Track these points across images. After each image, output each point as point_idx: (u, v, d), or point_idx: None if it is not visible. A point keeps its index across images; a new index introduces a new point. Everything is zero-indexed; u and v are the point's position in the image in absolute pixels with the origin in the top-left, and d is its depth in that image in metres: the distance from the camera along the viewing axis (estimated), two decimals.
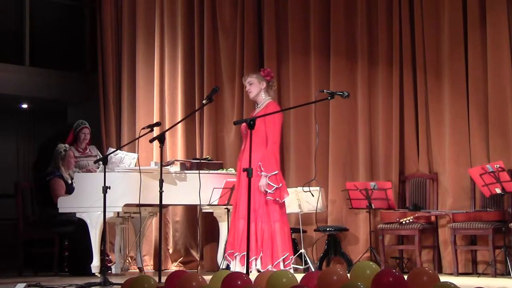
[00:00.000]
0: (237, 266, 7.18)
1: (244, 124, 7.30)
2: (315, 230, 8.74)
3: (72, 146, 9.11)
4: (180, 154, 9.50)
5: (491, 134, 8.25)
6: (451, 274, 8.10)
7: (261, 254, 7.16)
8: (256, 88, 7.37)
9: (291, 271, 7.08)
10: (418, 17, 8.64)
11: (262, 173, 7.13)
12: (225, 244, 7.72)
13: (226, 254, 7.34)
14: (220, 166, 8.41)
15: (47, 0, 10.93)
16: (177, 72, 9.73)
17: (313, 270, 8.06)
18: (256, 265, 7.15)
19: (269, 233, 7.19)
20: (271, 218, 7.20)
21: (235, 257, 7.22)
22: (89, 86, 10.59)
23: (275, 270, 6.94)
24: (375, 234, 8.49)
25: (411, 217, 8.08)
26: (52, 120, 12.49)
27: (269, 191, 7.12)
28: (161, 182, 6.75)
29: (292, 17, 9.27)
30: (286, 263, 7.28)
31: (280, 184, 7.19)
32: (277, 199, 7.15)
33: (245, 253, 7.04)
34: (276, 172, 7.16)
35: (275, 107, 7.35)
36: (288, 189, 8.48)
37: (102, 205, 6.99)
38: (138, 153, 8.30)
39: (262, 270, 7.07)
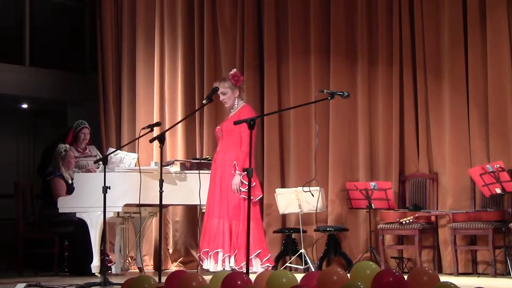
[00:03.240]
0: (210, 264, 7.31)
1: (219, 127, 7.71)
2: (315, 230, 8.73)
3: (72, 146, 9.11)
4: (180, 154, 9.50)
5: (491, 134, 8.25)
6: (451, 274, 8.10)
7: (235, 251, 7.31)
8: (230, 98, 7.68)
9: (270, 269, 7.24)
10: (418, 17, 8.64)
11: (236, 172, 7.41)
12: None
13: (200, 254, 7.45)
14: None
15: (47, 0, 10.93)
16: (177, 72, 9.73)
17: (313, 270, 8.07)
18: (230, 262, 7.29)
19: (242, 230, 7.29)
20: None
21: (210, 256, 7.35)
22: (89, 86, 10.59)
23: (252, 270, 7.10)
24: (375, 234, 8.48)
25: (411, 217, 8.07)
26: (52, 120, 12.50)
27: (242, 189, 7.28)
28: (161, 182, 6.75)
29: (292, 17, 9.26)
30: (264, 260, 7.37)
31: (254, 183, 7.37)
32: (251, 198, 7.31)
33: (218, 250, 7.26)
34: None
35: (249, 110, 7.67)
36: (288, 189, 8.57)
37: (102, 205, 6.98)
38: (138, 153, 8.30)
39: (236, 268, 7.21)
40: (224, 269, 7.21)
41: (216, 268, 7.33)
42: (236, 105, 7.67)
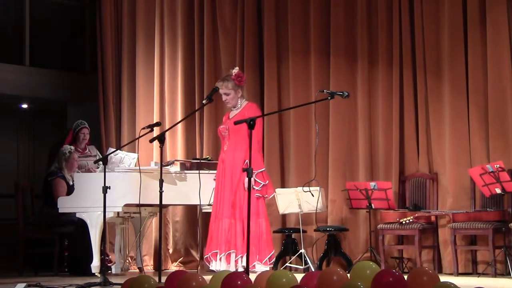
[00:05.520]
0: (222, 266, 7.23)
1: (223, 126, 7.55)
2: (315, 230, 8.73)
3: (72, 146, 9.11)
4: (180, 154, 9.50)
5: (491, 134, 8.25)
6: (451, 274, 8.10)
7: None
8: (234, 99, 7.54)
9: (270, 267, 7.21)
10: (418, 17, 8.64)
11: None
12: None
13: (209, 255, 7.36)
14: None
15: (47, 0, 10.94)
16: (177, 72, 9.73)
17: (313, 270, 8.06)
18: (242, 262, 7.21)
19: (256, 230, 7.25)
20: (260, 215, 7.28)
21: (221, 258, 7.26)
22: (89, 86, 10.60)
23: (263, 269, 7.03)
24: (375, 234, 8.48)
25: (411, 217, 8.07)
26: (52, 120, 12.51)
27: (256, 188, 7.22)
28: (161, 182, 6.75)
29: (292, 17, 9.27)
30: (271, 261, 7.37)
31: (267, 181, 7.33)
32: (265, 195, 7.28)
33: (230, 251, 7.18)
34: (263, 169, 7.30)
35: (256, 108, 7.57)
36: (288, 189, 8.56)
37: (102, 205, 6.99)
38: (138, 153, 8.30)
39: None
40: (237, 269, 7.13)
41: (228, 269, 7.15)
42: (239, 104, 7.57)
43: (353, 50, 9.01)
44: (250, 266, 7.13)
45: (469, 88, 8.40)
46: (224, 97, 7.55)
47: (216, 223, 7.38)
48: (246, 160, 7.23)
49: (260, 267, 7.18)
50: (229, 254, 7.26)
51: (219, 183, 7.47)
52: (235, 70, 7.57)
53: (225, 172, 7.43)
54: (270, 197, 7.48)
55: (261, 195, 7.29)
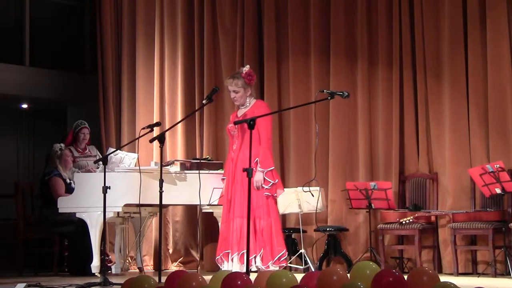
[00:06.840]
0: (235, 266, 7.16)
1: (232, 125, 7.44)
2: (315, 230, 8.74)
3: (72, 146, 9.12)
4: (180, 154, 9.50)
5: (491, 134, 8.25)
6: (451, 274, 8.10)
7: (261, 251, 7.18)
8: (242, 97, 7.41)
9: (284, 265, 7.16)
10: (418, 17, 8.64)
11: (259, 168, 7.21)
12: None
13: (220, 255, 7.30)
14: (220, 166, 8.40)
15: (47, 0, 10.93)
16: (177, 72, 9.73)
17: (313, 270, 8.06)
18: (255, 262, 7.16)
19: (268, 229, 7.23)
20: (270, 214, 7.25)
21: (232, 258, 7.21)
22: (89, 86, 10.59)
23: (275, 269, 6.99)
24: (375, 234, 8.49)
25: (411, 217, 8.08)
26: (52, 120, 12.51)
27: (266, 186, 7.20)
28: (161, 182, 6.75)
29: (292, 17, 9.27)
30: (282, 259, 7.31)
31: (276, 180, 7.31)
32: (274, 194, 7.26)
33: (244, 251, 7.07)
34: (272, 168, 7.27)
35: (266, 106, 7.48)
36: (288, 189, 8.55)
37: (102, 205, 6.99)
38: (138, 153, 8.30)
39: (262, 267, 7.10)
40: (250, 270, 7.05)
41: (243, 269, 6.96)
42: (248, 102, 7.48)
43: (353, 50, 9.01)
44: (265, 266, 7.12)
45: (469, 88, 8.41)
46: (232, 95, 7.40)
47: (227, 223, 7.31)
48: (257, 158, 7.19)
49: (273, 267, 7.15)
50: (242, 254, 7.15)
51: (229, 182, 7.38)
52: (246, 68, 7.43)
53: (235, 171, 7.35)
54: (279, 196, 7.44)
55: (270, 194, 7.26)
